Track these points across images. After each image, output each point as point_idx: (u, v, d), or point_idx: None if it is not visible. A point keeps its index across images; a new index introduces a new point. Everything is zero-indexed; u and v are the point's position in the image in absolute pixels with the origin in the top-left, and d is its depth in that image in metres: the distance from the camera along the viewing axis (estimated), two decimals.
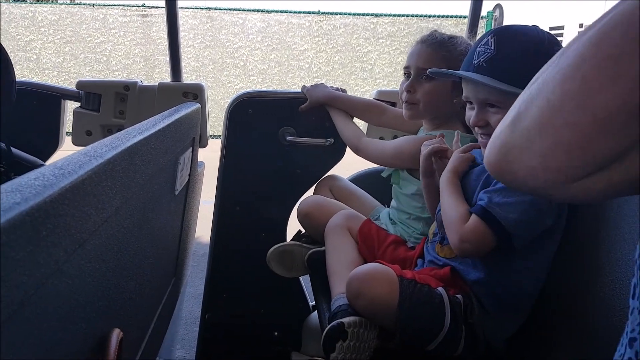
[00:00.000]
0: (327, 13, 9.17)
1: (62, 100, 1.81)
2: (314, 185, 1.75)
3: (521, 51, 1.06)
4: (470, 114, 1.13)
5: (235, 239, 1.85)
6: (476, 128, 1.14)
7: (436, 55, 1.37)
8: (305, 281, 1.89)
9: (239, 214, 1.82)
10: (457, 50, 1.36)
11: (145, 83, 1.79)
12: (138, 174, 0.85)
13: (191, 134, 1.44)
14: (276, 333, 1.94)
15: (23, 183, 0.50)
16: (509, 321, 1.13)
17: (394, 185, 1.51)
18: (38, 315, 0.53)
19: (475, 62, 1.08)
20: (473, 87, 1.11)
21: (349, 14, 9.17)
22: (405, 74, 1.44)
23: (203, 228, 2.17)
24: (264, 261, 1.85)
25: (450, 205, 1.13)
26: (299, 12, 9.13)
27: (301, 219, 1.56)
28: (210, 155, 1.97)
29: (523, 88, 0.99)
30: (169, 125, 1.09)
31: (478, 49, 1.09)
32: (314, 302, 1.96)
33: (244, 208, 1.82)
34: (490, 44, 1.07)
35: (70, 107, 1.87)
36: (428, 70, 1.21)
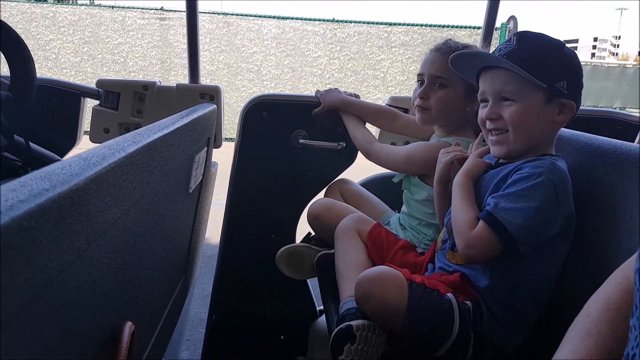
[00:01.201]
0: (342, 21, 9.21)
1: (82, 97, 1.85)
2: (325, 189, 1.77)
3: (540, 47, 1.12)
4: (483, 112, 1.16)
5: (245, 240, 1.87)
6: (487, 123, 1.16)
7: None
8: (313, 285, 1.90)
9: (249, 215, 1.84)
10: (470, 50, 1.37)
11: (164, 84, 1.82)
12: (156, 170, 0.87)
13: (207, 134, 1.46)
14: (282, 337, 1.95)
15: (51, 171, 0.52)
16: (518, 329, 1.13)
17: (404, 190, 1.51)
18: (58, 301, 0.55)
19: (496, 54, 1.13)
20: (490, 80, 1.14)
21: (363, 23, 9.20)
22: (418, 81, 1.46)
23: (212, 229, 2.18)
24: (272, 263, 1.86)
25: (461, 209, 1.14)
26: (314, 20, 9.18)
27: (311, 220, 1.57)
28: (221, 158, 1.99)
29: (542, 80, 1.05)
30: (186, 125, 1.11)
31: (500, 46, 1.14)
32: (321, 307, 1.97)
33: (255, 209, 1.83)
34: (512, 41, 1.13)
35: (89, 105, 1.90)
36: (450, 55, 1.22)
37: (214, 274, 1.93)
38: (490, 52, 1.29)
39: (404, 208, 1.54)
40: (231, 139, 1.92)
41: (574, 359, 0.67)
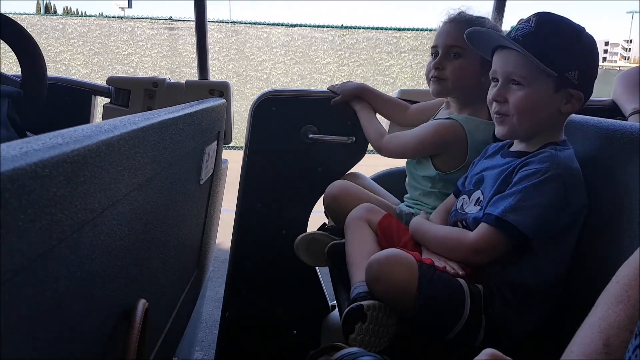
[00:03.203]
0: (351, 27, 9.26)
1: (93, 95, 1.87)
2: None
3: (559, 33, 1.08)
4: (491, 93, 1.14)
5: (256, 236, 1.87)
6: (494, 104, 1.14)
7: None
8: (324, 280, 1.90)
9: (261, 211, 1.84)
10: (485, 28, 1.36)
11: (173, 81, 1.84)
12: (167, 151, 0.88)
13: (217, 127, 1.47)
14: (295, 331, 1.95)
15: (64, 132, 0.53)
16: (531, 313, 1.12)
17: (408, 161, 1.51)
18: (72, 260, 0.56)
19: (512, 35, 1.10)
20: (502, 60, 1.12)
21: (372, 28, 9.25)
22: (432, 54, 1.45)
23: (223, 235, 2.19)
24: (284, 259, 1.86)
25: (445, 233, 1.18)
26: (323, 27, 9.24)
27: (328, 202, 1.55)
28: (232, 166, 2.00)
29: (552, 69, 1.03)
30: (196, 112, 1.13)
31: (518, 25, 1.11)
32: (333, 302, 1.97)
33: (266, 205, 1.84)
34: (530, 22, 1.09)
35: (100, 102, 1.93)
36: (466, 30, 1.20)
37: (227, 270, 1.94)
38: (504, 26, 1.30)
39: (407, 180, 1.54)
40: (240, 147, 1.93)
41: (604, 325, 0.66)
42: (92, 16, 9.48)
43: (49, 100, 1.57)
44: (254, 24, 9.23)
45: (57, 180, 0.46)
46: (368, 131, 1.60)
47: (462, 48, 1.36)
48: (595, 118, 1.25)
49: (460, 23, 1.37)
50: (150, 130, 0.76)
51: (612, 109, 1.77)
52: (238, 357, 1.97)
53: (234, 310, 1.94)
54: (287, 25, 9.20)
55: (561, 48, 1.08)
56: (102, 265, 0.66)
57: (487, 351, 0.54)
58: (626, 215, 1.04)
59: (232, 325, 1.94)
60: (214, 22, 9.06)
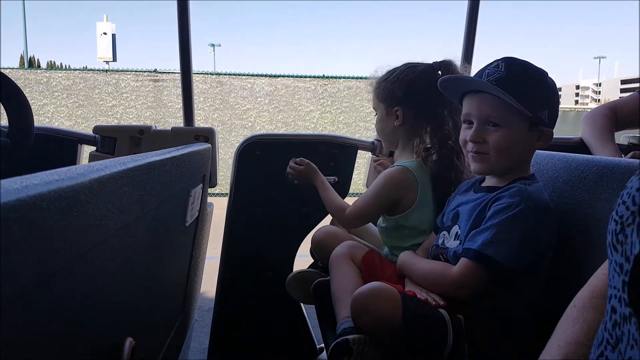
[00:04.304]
0: (332, 77, 9.48)
1: (79, 144, 1.90)
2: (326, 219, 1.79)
3: (527, 76, 1.15)
4: (466, 134, 1.19)
5: (242, 279, 1.88)
6: (470, 145, 1.19)
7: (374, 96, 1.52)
8: (312, 323, 1.90)
9: (246, 253, 1.86)
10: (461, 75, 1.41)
11: (159, 127, 1.88)
12: (155, 191, 0.91)
13: (202, 170, 1.50)
14: None
15: (58, 170, 0.56)
16: (510, 343, 1.14)
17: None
18: (65, 291, 0.58)
19: (484, 78, 1.15)
20: (478, 103, 1.17)
21: (353, 78, 9.49)
22: None
23: (208, 283, 2.19)
24: (270, 303, 1.87)
25: (430, 267, 1.22)
26: (305, 77, 9.44)
27: (314, 246, 1.58)
28: (217, 213, 2.02)
29: (528, 109, 1.09)
30: (182, 155, 1.16)
31: (487, 70, 1.16)
32: (321, 345, 1.96)
33: (251, 246, 1.86)
34: (500, 67, 1.15)
35: (86, 151, 1.95)
36: (441, 78, 1.25)
37: (212, 316, 1.92)
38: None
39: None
40: (225, 193, 1.97)
41: (562, 343, 0.70)
42: (76, 70, 9.61)
43: (36, 149, 1.60)
44: (239, 75, 9.40)
45: (54, 213, 0.49)
46: (330, 206, 1.56)
47: (374, 109, 1.53)
48: (562, 153, 1.32)
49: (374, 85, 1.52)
50: (138, 171, 0.80)
51: (579, 147, 1.87)
52: None
53: (220, 358, 1.91)
54: (270, 75, 9.40)
55: (533, 90, 1.15)
56: (91, 299, 0.68)
57: None
58: (592, 243, 1.09)
59: None
60: (199, 74, 9.22)
